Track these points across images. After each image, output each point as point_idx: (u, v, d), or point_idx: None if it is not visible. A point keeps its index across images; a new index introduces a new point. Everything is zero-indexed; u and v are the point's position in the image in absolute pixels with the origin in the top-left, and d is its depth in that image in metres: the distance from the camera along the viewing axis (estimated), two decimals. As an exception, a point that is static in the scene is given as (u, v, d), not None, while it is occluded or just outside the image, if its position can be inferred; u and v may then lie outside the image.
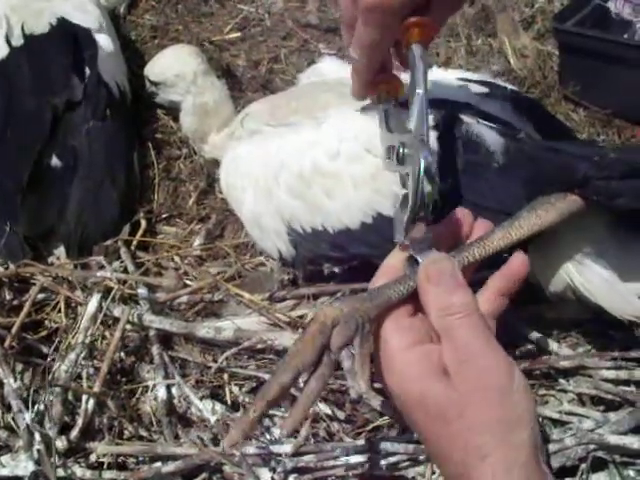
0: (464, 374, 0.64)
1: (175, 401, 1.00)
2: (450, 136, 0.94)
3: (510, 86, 1.13)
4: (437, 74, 1.18)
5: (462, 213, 0.77)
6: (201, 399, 0.99)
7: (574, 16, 1.41)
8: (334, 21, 1.58)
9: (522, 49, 1.47)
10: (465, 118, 0.95)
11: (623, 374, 0.99)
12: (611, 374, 0.99)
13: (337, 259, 1.07)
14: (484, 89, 1.06)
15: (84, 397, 0.96)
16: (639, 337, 1.02)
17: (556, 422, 0.96)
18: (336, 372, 0.96)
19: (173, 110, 1.34)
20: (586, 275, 0.92)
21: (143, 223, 1.22)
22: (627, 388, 0.99)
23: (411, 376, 0.65)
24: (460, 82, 1.09)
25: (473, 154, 0.93)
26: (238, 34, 1.59)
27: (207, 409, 0.98)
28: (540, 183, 0.86)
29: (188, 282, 1.16)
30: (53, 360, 1.00)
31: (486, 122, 0.94)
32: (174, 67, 1.28)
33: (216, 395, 1.02)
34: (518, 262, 0.71)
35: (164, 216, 1.27)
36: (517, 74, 1.41)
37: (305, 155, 1.02)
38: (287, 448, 0.92)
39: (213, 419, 0.97)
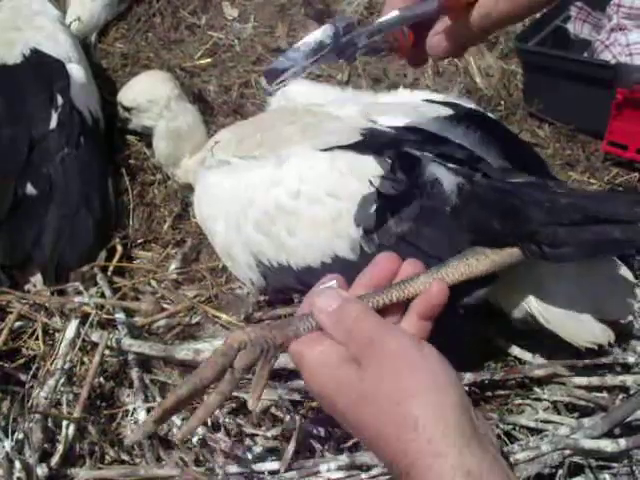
0: (371, 355, 0.67)
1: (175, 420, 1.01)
2: (407, 178, 0.95)
3: (474, 106, 1.18)
4: (403, 95, 1.23)
5: (387, 257, 0.79)
6: (182, 421, 1.00)
7: (535, 36, 1.46)
8: (303, 45, 1.61)
9: (487, 69, 1.51)
10: (423, 157, 0.96)
11: (595, 380, 1.02)
12: (583, 381, 1.02)
13: (305, 291, 1.09)
14: (448, 111, 1.09)
15: (64, 423, 0.97)
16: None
17: (533, 430, 0.99)
18: None
19: (146, 136, 1.36)
20: (543, 304, 0.95)
21: (119, 248, 1.23)
22: (599, 394, 1.03)
23: (324, 371, 0.69)
24: (425, 104, 1.12)
25: (428, 199, 0.94)
26: (209, 60, 1.62)
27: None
28: (490, 232, 0.87)
29: (165, 306, 1.18)
30: (32, 387, 1.00)
31: (443, 160, 0.95)
32: (147, 92, 1.30)
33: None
34: (437, 289, 0.73)
35: (140, 241, 1.28)
36: (483, 93, 1.46)
37: (269, 192, 1.05)
38: (269, 466, 0.94)
39: (194, 440, 0.98)
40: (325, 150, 1.01)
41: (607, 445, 0.90)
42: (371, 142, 1.00)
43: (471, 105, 1.17)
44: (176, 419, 0.98)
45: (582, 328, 0.94)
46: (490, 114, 1.18)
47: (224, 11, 1.73)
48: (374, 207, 0.97)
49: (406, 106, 1.12)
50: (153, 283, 1.20)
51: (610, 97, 1.34)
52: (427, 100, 1.16)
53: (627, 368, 1.04)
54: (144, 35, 1.68)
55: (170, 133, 1.28)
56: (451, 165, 0.95)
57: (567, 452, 0.91)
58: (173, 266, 1.23)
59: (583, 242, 0.82)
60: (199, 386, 0.73)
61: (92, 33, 1.62)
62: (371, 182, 0.96)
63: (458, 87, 1.43)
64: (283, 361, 1.02)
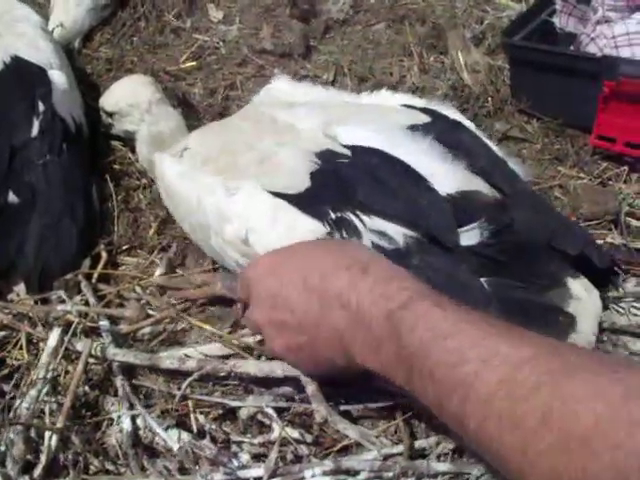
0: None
1: (140, 432, 0.99)
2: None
3: (454, 112, 1.16)
4: (384, 98, 1.22)
5: None
6: (166, 429, 0.98)
7: (521, 31, 1.44)
8: (288, 46, 1.60)
9: (474, 65, 1.49)
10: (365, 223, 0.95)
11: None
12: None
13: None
14: (421, 119, 1.10)
15: (47, 434, 0.96)
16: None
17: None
18: (301, 395, 0.98)
19: (130, 141, 1.35)
20: None
21: (104, 255, 1.22)
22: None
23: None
24: (401, 110, 1.14)
25: None
26: (194, 63, 1.60)
27: (172, 438, 0.97)
28: None
29: (151, 312, 1.16)
30: (13, 398, 0.99)
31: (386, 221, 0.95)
32: (128, 97, 1.29)
33: (182, 424, 1.01)
34: None
35: (125, 247, 1.27)
36: (470, 89, 1.44)
37: (220, 223, 1.05)
38: (254, 473, 0.92)
39: (178, 448, 0.96)
40: (272, 193, 1.01)
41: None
42: (315, 197, 1.00)
43: (450, 111, 1.16)
44: (159, 429, 0.96)
45: None
46: (468, 122, 1.15)
47: (209, 14, 1.72)
48: None
49: (376, 113, 1.13)
50: (138, 289, 1.18)
51: (597, 90, 1.32)
52: (405, 105, 1.16)
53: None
54: (129, 39, 1.66)
55: (152, 137, 1.27)
56: (388, 255, 0.91)
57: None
58: (158, 272, 1.21)
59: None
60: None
61: (75, 39, 1.60)
62: None
63: (445, 84, 1.41)
64: (268, 369, 1.01)
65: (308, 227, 0.97)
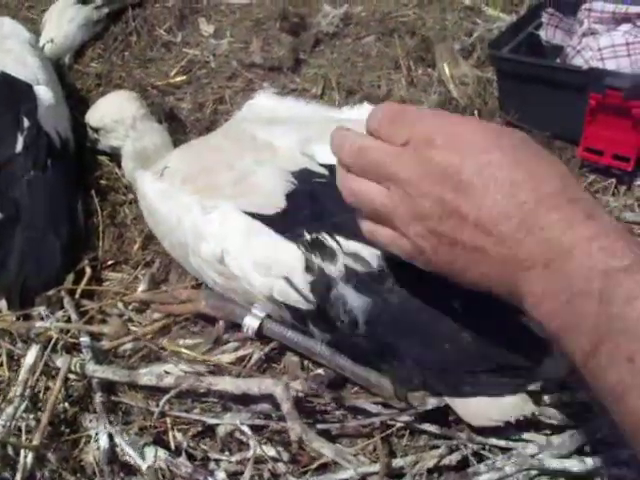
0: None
1: (117, 449, 0.98)
2: (318, 298, 0.95)
3: None
4: (366, 112, 1.20)
5: None
6: (144, 446, 0.98)
7: (509, 44, 1.43)
8: (277, 59, 1.59)
9: (462, 77, 1.48)
10: (332, 273, 0.94)
11: (565, 397, 0.99)
12: (554, 397, 0.98)
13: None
14: None
15: (23, 451, 0.95)
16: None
17: (503, 450, 0.96)
18: (279, 413, 0.97)
19: (116, 156, 1.35)
20: None
21: (88, 271, 1.22)
22: (571, 410, 0.99)
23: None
24: None
25: (339, 322, 0.95)
26: (184, 77, 1.60)
27: (149, 456, 0.97)
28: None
29: (133, 328, 1.16)
30: (-11, 415, 0.99)
31: (352, 280, 0.93)
32: (113, 112, 1.29)
33: (160, 441, 1.01)
34: None
35: (110, 263, 1.26)
36: (458, 102, 1.43)
37: (197, 242, 1.05)
38: (230, 491, 0.91)
39: (156, 465, 0.95)
40: (248, 214, 1.01)
41: (573, 465, 0.87)
42: (290, 218, 0.99)
43: None
44: (128, 447, 0.95)
45: (480, 406, 0.92)
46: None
47: (200, 28, 1.72)
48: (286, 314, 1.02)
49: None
50: (120, 305, 1.18)
51: (584, 103, 1.31)
52: None
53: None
54: (120, 54, 1.66)
55: (137, 153, 1.26)
56: (362, 278, 0.92)
57: (533, 472, 0.88)
58: (141, 287, 1.21)
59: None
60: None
61: (66, 54, 1.61)
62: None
63: (432, 97, 1.40)
64: (245, 386, 1.00)
65: (282, 249, 0.97)
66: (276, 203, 1.01)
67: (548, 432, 0.98)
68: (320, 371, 1.06)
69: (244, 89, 1.55)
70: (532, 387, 0.94)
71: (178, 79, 1.59)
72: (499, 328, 0.92)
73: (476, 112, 1.40)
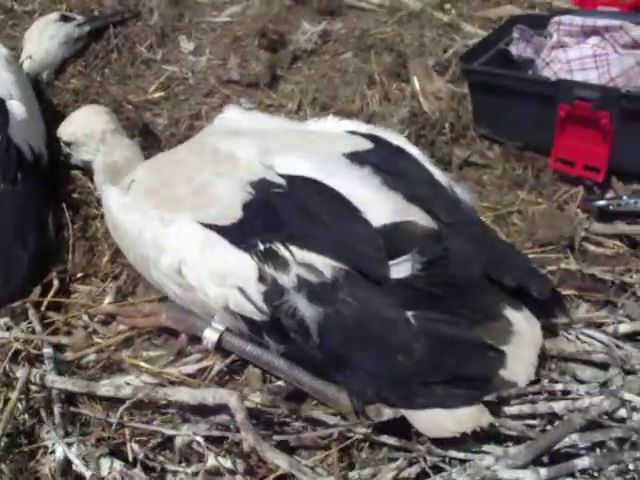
0: None
1: (73, 460, 0.97)
2: (271, 309, 0.95)
3: (397, 138, 1.15)
4: (329, 125, 1.21)
5: None
6: (99, 457, 0.96)
7: (480, 59, 1.43)
8: (255, 76, 1.60)
9: (436, 92, 1.48)
10: (285, 283, 0.93)
11: (527, 408, 0.97)
12: (514, 410, 0.96)
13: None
14: (364, 146, 1.10)
15: (-25, 464, 0.94)
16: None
17: (463, 462, 0.94)
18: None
19: (88, 170, 1.34)
20: None
21: (55, 283, 1.21)
22: (532, 422, 0.97)
23: None
24: (344, 137, 1.14)
25: (293, 333, 0.94)
26: (162, 93, 1.60)
27: (105, 467, 0.95)
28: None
29: (98, 340, 1.15)
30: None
31: (305, 290, 0.92)
32: (83, 126, 1.29)
33: (119, 452, 0.99)
34: None
35: (79, 275, 1.26)
36: (429, 116, 1.42)
37: (157, 254, 1.05)
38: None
39: (110, 477, 0.94)
40: (205, 225, 1.01)
41: (527, 476, 0.85)
42: (246, 228, 0.99)
43: (394, 137, 1.16)
44: (76, 459, 0.94)
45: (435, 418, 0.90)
46: (412, 148, 1.14)
47: (181, 45, 1.73)
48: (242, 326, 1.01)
49: (318, 141, 1.13)
50: (85, 317, 1.17)
51: (554, 114, 1.30)
52: (350, 132, 1.17)
53: (566, 393, 0.98)
54: (100, 71, 1.67)
55: (107, 167, 1.26)
56: (314, 289, 0.92)
57: (487, 483, 0.86)
58: (107, 300, 1.20)
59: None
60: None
61: (45, 71, 1.61)
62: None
63: (403, 111, 1.39)
64: (201, 397, 0.98)
65: (236, 259, 0.96)
66: (233, 214, 1.01)
67: (510, 444, 0.97)
68: (280, 383, 1.05)
69: (221, 105, 1.54)
70: (488, 398, 0.93)
71: (156, 95, 1.60)
72: (453, 339, 0.92)
73: (447, 125, 1.39)
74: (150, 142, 1.42)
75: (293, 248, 0.94)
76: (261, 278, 0.94)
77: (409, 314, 0.90)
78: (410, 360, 0.89)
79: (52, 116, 1.49)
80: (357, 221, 0.96)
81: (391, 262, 0.93)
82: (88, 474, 0.91)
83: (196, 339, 1.09)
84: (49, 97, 1.57)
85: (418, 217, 0.99)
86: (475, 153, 1.41)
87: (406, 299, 0.91)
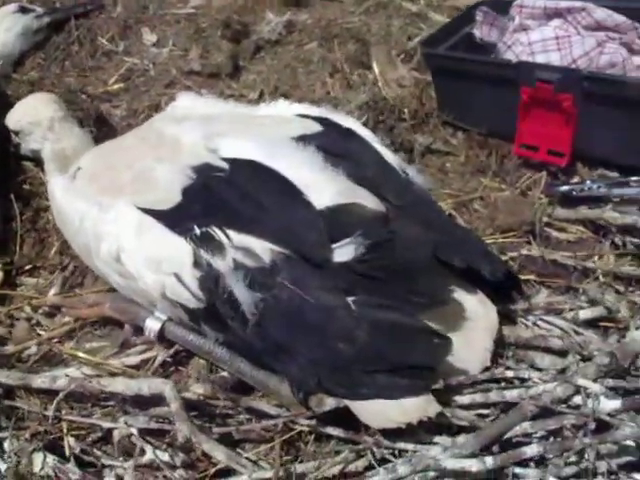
0: None
1: (5, 455, 0.92)
2: (207, 295, 0.90)
3: (347, 120, 1.11)
4: (281, 108, 1.17)
5: None
6: (32, 452, 0.91)
7: (444, 43, 1.38)
8: (216, 66, 1.55)
9: (400, 79, 1.43)
10: (221, 268, 0.88)
11: (479, 397, 0.92)
12: (465, 399, 0.91)
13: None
14: (312, 128, 1.05)
15: None
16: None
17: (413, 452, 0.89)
18: None
19: (39, 161, 1.29)
20: None
21: (0, 275, 1.16)
22: (485, 411, 0.92)
23: None
24: (293, 119, 1.10)
25: (230, 320, 0.90)
26: (121, 85, 1.56)
27: (37, 462, 0.90)
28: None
29: (41, 332, 1.10)
30: None
31: (241, 275, 0.87)
32: (30, 115, 1.25)
33: (56, 447, 0.94)
34: None
35: (27, 267, 1.21)
36: (390, 103, 1.37)
37: (97, 242, 1.00)
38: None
39: (43, 472, 0.89)
40: (143, 210, 0.96)
41: (472, 464, 0.80)
42: (183, 212, 0.94)
43: (345, 119, 1.11)
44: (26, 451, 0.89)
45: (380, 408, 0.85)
46: (364, 130, 1.10)
47: (143, 37, 1.68)
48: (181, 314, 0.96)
49: (267, 125, 1.10)
50: (28, 309, 1.12)
51: (517, 98, 1.26)
52: (300, 115, 1.13)
53: (522, 381, 0.93)
54: (60, 63, 1.62)
55: (56, 155, 1.21)
56: (252, 274, 0.87)
57: (430, 474, 0.81)
58: (53, 291, 1.15)
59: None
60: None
61: (1, 63, 1.56)
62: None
63: (364, 97, 1.34)
64: (137, 387, 0.93)
65: (171, 244, 0.92)
66: (171, 198, 0.96)
67: (463, 434, 0.92)
68: (225, 374, 1.00)
69: (182, 96, 1.50)
70: (436, 387, 0.88)
71: (116, 87, 1.55)
72: (397, 326, 0.86)
73: (407, 111, 1.35)
74: (106, 133, 1.38)
75: (230, 232, 0.89)
76: (196, 263, 0.89)
77: (350, 300, 0.84)
78: (352, 348, 0.84)
79: (7, 108, 1.44)
80: (299, 204, 0.91)
81: (334, 245, 0.88)
82: (3, 467, 0.85)
83: (141, 330, 1.04)
84: (4, 89, 1.52)
85: (365, 199, 0.94)
86: (438, 140, 1.36)
87: (348, 284, 0.85)
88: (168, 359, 1.03)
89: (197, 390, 0.95)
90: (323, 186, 0.94)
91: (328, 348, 0.85)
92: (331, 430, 0.90)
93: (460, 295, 0.93)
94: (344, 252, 0.87)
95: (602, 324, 1.05)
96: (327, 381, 0.87)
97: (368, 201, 0.94)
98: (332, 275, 0.86)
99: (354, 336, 0.84)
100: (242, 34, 1.62)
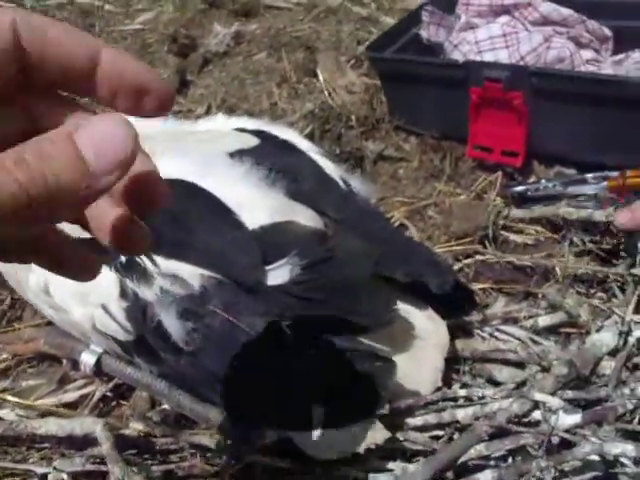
0: None
1: None
2: (136, 326, 0.82)
3: (286, 133, 1.04)
4: (218, 123, 1.10)
5: None
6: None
7: (391, 46, 1.32)
8: (162, 82, 1.48)
9: (348, 86, 1.37)
10: (148, 297, 0.81)
11: (432, 418, 0.85)
12: (418, 421, 0.84)
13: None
14: (249, 142, 0.98)
15: None
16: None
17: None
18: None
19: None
20: None
21: None
22: (440, 432, 0.85)
23: None
24: (230, 134, 1.03)
25: (162, 352, 0.82)
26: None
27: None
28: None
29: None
30: None
31: (170, 304, 0.80)
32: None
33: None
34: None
35: (-36, 301, 1.14)
36: (338, 111, 1.30)
37: (26, 273, 0.91)
38: None
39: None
40: None
41: (417, 493, 0.73)
42: None
43: (284, 132, 1.04)
44: None
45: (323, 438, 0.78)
46: (304, 142, 1.02)
47: (89, 56, 1.61)
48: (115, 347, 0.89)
49: (202, 141, 1.02)
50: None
51: (467, 99, 1.20)
52: (237, 129, 1.05)
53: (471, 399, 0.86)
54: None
55: None
56: (181, 301, 0.79)
57: (375, 506, 0.74)
58: (-10, 325, 1.08)
59: None
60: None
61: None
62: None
63: (311, 106, 1.28)
64: (69, 427, 0.85)
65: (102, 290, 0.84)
66: None
67: (420, 458, 0.85)
68: (167, 407, 0.93)
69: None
70: (382, 412, 0.81)
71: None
72: (336, 351, 0.79)
73: (354, 118, 1.28)
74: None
75: (157, 258, 0.82)
76: (123, 293, 0.82)
77: (285, 324, 0.77)
78: (291, 376, 0.77)
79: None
80: (230, 225, 0.84)
81: (267, 267, 0.81)
82: None
83: (78, 364, 0.97)
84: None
85: (301, 216, 0.87)
86: (390, 146, 1.30)
87: (283, 308, 0.78)
88: (108, 393, 0.97)
89: (136, 426, 0.88)
90: (258, 204, 0.87)
91: (264, 378, 0.78)
92: (278, 462, 0.84)
93: (407, 312, 0.86)
94: (279, 274, 0.80)
95: (563, 330, 0.99)
96: (266, 412, 0.80)
97: (305, 218, 0.87)
98: (266, 299, 0.79)
99: (293, 363, 0.77)
100: (189, 48, 1.56)
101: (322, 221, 0.88)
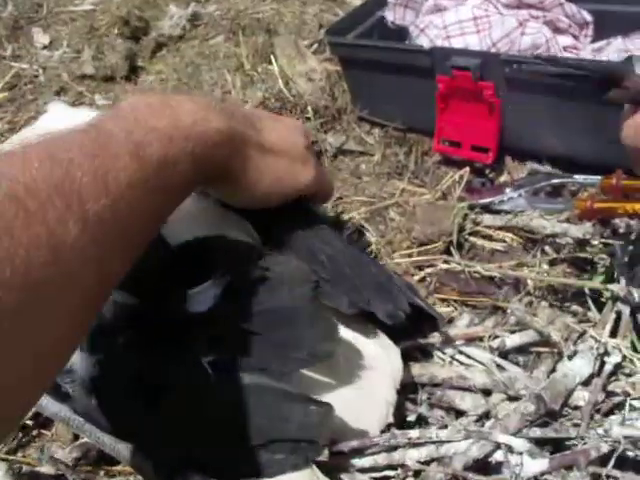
0: None
1: None
2: None
3: None
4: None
5: None
6: None
7: (355, 29, 1.17)
8: (110, 68, 1.33)
9: (310, 73, 1.23)
10: None
11: (381, 459, 0.73)
12: (367, 462, 0.72)
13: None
14: None
15: None
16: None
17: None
18: None
19: None
20: None
21: None
22: (391, 472, 0.73)
23: None
24: None
25: (71, 389, 0.69)
26: (6, 94, 1.34)
27: None
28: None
29: None
30: None
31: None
32: None
33: None
34: None
35: None
36: (295, 101, 1.16)
37: None
38: None
39: None
40: None
41: None
42: None
43: None
44: None
45: None
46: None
47: (34, 39, 1.46)
48: None
49: None
50: None
51: (434, 89, 1.06)
52: None
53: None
54: None
55: None
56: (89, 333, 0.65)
57: None
58: None
59: None
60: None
61: None
62: None
63: (259, 95, 1.14)
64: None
65: None
66: None
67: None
68: (88, 440, 0.81)
69: (73, 103, 1.29)
70: (320, 459, 0.68)
71: (0, 96, 1.33)
72: (267, 394, 0.66)
73: (311, 109, 1.14)
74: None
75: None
76: None
77: (206, 360, 0.64)
78: (220, 420, 0.65)
79: None
80: (151, 244, 0.71)
81: (190, 292, 0.68)
82: None
83: None
84: None
85: (233, 230, 0.74)
86: (352, 139, 1.16)
87: (204, 340, 0.66)
88: (28, 422, 0.84)
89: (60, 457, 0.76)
90: (183, 216, 0.73)
91: (189, 421, 0.66)
92: (209, 510, 0.71)
93: (353, 338, 0.73)
94: (202, 299, 0.67)
95: (534, 349, 0.86)
96: (192, 458, 0.67)
97: (237, 232, 0.74)
98: (187, 330, 0.66)
99: (222, 407, 0.65)
100: (142, 31, 1.41)
101: (257, 235, 0.75)
